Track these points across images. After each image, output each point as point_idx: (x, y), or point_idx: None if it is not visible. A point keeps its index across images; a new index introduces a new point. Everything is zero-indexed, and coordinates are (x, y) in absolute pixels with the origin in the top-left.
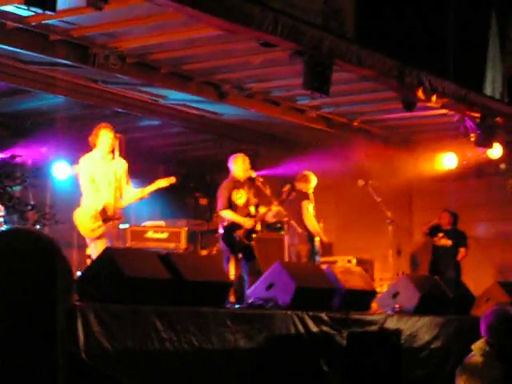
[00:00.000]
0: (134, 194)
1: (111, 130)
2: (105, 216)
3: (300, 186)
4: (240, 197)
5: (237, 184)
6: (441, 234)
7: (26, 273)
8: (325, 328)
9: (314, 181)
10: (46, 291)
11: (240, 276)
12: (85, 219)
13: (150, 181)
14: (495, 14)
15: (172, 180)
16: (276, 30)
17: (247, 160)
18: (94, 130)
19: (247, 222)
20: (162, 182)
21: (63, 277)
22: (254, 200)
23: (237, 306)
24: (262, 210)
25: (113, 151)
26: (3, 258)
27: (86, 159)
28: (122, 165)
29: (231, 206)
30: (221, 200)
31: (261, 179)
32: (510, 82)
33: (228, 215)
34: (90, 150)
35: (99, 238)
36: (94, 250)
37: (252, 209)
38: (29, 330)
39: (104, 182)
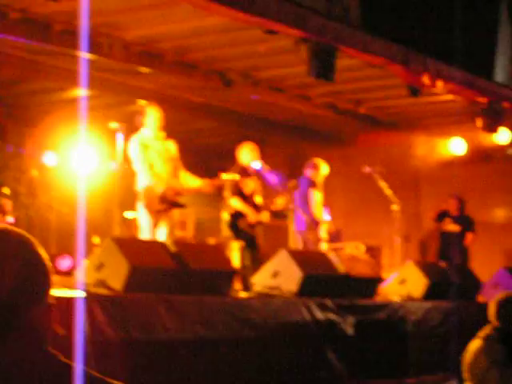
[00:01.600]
0: (193, 181)
1: (158, 107)
2: (168, 200)
3: (308, 172)
4: (247, 186)
5: (244, 173)
6: (448, 220)
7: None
8: (331, 315)
9: (323, 169)
10: (22, 289)
11: (244, 264)
12: (151, 199)
13: None
14: None
15: (236, 176)
16: (280, 17)
17: (256, 149)
18: (140, 109)
19: (252, 216)
20: (227, 176)
21: (37, 274)
22: (260, 190)
23: (242, 295)
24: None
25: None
26: None
27: (136, 139)
28: (173, 145)
29: (238, 194)
30: (229, 188)
31: (267, 168)
32: None
33: (236, 204)
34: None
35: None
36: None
37: (258, 199)
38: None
39: (161, 162)
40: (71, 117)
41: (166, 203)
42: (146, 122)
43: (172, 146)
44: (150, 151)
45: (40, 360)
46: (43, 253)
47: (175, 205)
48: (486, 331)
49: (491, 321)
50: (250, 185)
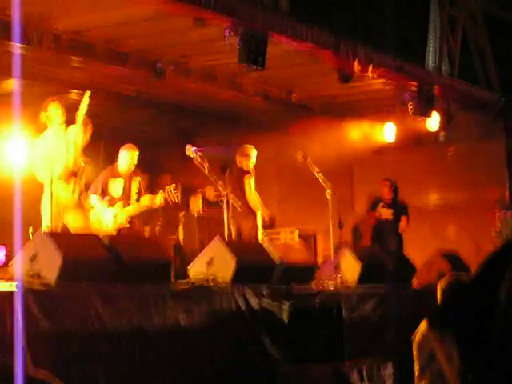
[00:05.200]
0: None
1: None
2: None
3: (240, 160)
4: (117, 186)
5: (116, 173)
6: (382, 204)
7: None
8: (266, 302)
9: (254, 155)
10: None
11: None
12: None
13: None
14: None
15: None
16: (209, 5)
17: (135, 152)
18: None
19: (105, 218)
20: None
21: None
22: (136, 192)
23: (178, 284)
24: (133, 206)
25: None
26: None
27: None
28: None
29: (104, 193)
30: (94, 184)
31: (199, 154)
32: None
33: (94, 201)
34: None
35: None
36: None
37: (132, 201)
38: None
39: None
40: (3, 109)
41: None
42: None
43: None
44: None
45: None
46: None
47: None
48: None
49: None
50: (120, 185)
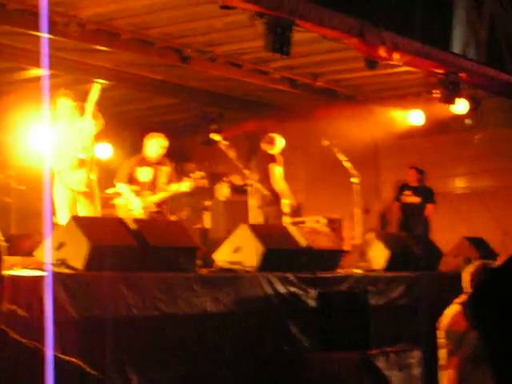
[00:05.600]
0: None
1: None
2: None
3: (265, 147)
4: (144, 174)
5: (142, 162)
6: (408, 192)
7: None
8: (292, 289)
9: (280, 143)
10: None
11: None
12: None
13: (118, 146)
14: None
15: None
16: None
17: (163, 141)
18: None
19: (136, 205)
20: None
21: None
22: (166, 180)
23: (204, 271)
24: (162, 193)
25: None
26: None
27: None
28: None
29: (132, 181)
30: (120, 172)
31: (224, 142)
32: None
33: (122, 189)
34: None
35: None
36: None
37: (162, 188)
38: None
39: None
40: (29, 96)
41: None
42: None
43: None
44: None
45: None
46: None
47: None
48: (462, 299)
49: (466, 289)
50: (148, 174)
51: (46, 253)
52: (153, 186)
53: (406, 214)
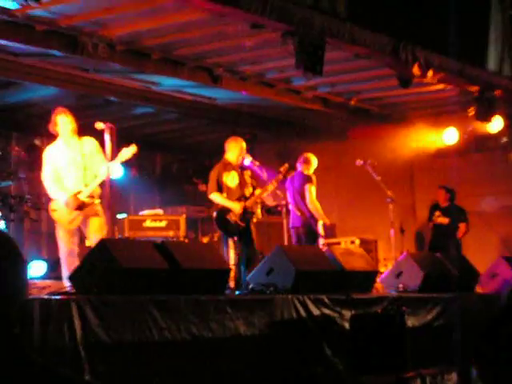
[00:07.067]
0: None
1: (67, 113)
2: (77, 203)
3: (301, 167)
4: (232, 179)
5: (228, 166)
6: (438, 213)
7: None
8: (326, 311)
9: (314, 163)
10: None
11: (238, 261)
12: (61, 212)
13: (149, 170)
14: None
15: (133, 149)
16: (265, 11)
17: (243, 143)
18: (52, 118)
19: (235, 206)
20: (125, 153)
21: (13, 274)
22: (250, 182)
23: (237, 293)
24: (258, 191)
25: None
26: None
27: (48, 150)
28: (89, 144)
29: (221, 188)
30: (210, 183)
31: (257, 163)
32: None
33: (217, 198)
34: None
35: (76, 229)
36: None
37: (248, 191)
38: None
39: (71, 168)
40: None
41: (74, 209)
42: (58, 130)
43: (88, 146)
44: (58, 161)
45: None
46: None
47: (83, 206)
48: None
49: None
50: (235, 178)
51: (77, 276)
52: (242, 188)
53: (438, 234)
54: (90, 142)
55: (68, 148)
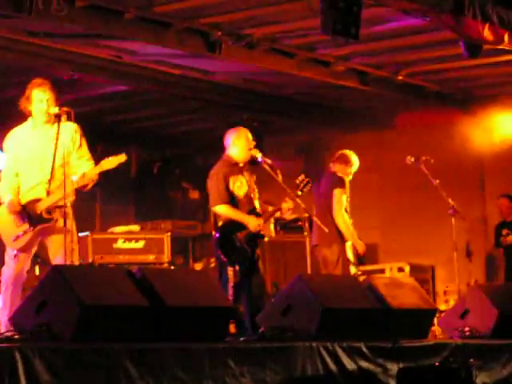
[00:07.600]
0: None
1: (46, 88)
2: (33, 213)
3: (336, 168)
4: (240, 185)
5: (234, 168)
6: (505, 231)
7: None
8: (365, 364)
9: (355, 163)
10: None
11: (242, 296)
12: (4, 223)
13: (121, 171)
14: None
15: (122, 158)
16: None
17: (248, 134)
18: (26, 91)
19: (253, 222)
20: (109, 163)
21: None
22: (256, 190)
23: (241, 339)
24: (270, 208)
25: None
26: None
27: (12, 134)
28: (69, 132)
29: (232, 198)
30: (214, 190)
31: (269, 161)
32: None
33: (227, 212)
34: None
35: (24, 250)
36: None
37: (258, 202)
38: None
39: (35, 163)
40: None
41: (26, 222)
42: (32, 109)
43: (67, 133)
44: (21, 151)
45: None
46: None
47: (40, 222)
48: None
49: None
50: (243, 185)
51: (22, 316)
52: (250, 202)
53: (509, 256)
54: (70, 129)
55: (38, 135)
